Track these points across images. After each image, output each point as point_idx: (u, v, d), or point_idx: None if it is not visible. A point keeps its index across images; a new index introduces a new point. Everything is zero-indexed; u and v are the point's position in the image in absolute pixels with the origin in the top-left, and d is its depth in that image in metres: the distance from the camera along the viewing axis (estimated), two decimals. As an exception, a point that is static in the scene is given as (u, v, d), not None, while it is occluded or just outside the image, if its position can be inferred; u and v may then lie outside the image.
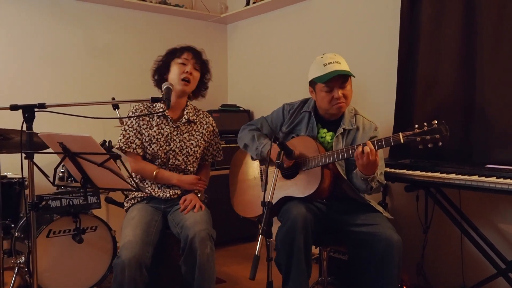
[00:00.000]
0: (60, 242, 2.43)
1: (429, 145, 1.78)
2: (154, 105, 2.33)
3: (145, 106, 2.33)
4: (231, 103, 4.11)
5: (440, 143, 1.76)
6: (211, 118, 2.46)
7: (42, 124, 2.71)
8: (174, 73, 2.28)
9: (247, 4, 3.86)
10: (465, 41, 2.45)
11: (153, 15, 3.85)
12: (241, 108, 4.00)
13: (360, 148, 1.88)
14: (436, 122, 1.77)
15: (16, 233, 2.53)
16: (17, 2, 3.25)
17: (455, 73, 2.49)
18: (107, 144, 2.81)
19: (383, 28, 2.94)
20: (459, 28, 2.47)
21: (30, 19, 3.30)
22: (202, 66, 2.36)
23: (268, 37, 3.88)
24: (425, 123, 1.79)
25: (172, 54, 2.32)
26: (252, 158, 2.39)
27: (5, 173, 2.75)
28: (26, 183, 2.70)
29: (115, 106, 2.92)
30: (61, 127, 3.02)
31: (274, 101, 3.64)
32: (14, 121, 2.09)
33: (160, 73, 2.35)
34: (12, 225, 2.62)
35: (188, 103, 2.39)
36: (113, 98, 2.93)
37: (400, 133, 1.83)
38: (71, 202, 2.43)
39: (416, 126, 1.81)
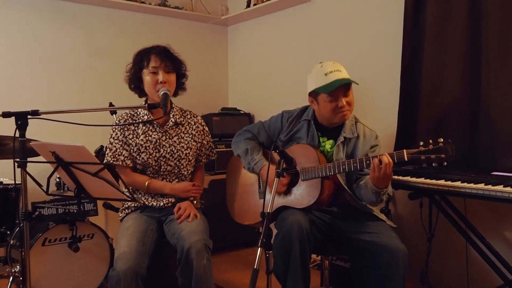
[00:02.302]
0: (56, 250, 2.38)
1: (433, 164, 1.73)
2: (138, 112, 2.25)
3: (129, 115, 2.25)
4: (231, 107, 4.06)
5: (445, 163, 1.72)
6: (199, 117, 2.38)
7: (39, 130, 2.67)
8: (148, 85, 2.17)
9: (248, 6, 3.81)
10: (471, 45, 2.39)
11: (153, 17, 3.80)
12: (241, 112, 3.95)
13: (377, 160, 1.82)
14: (442, 140, 1.72)
15: (12, 241, 2.48)
16: (16, 4, 3.21)
17: (460, 78, 2.43)
18: (104, 150, 2.75)
19: (386, 31, 2.89)
20: (465, 32, 2.41)
21: (29, 22, 3.26)
22: (174, 63, 2.22)
23: (269, 39, 3.83)
24: (430, 141, 1.74)
25: (140, 63, 2.19)
26: (245, 168, 2.35)
27: (1, 179, 2.70)
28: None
29: (113, 112, 2.87)
30: (58, 132, 2.98)
31: (276, 105, 3.61)
32: (10, 127, 2.04)
33: (135, 84, 2.24)
34: (8, 232, 2.57)
35: (174, 105, 2.31)
36: (111, 103, 2.87)
37: (405, 150, 1.78)
38: (67, 209, 2.38)
39: (421, 143, 1.76)
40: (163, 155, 2.20)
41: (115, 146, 2.20)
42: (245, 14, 3.85)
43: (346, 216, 2.10)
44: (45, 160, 1.67)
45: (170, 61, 2.19)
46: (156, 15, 3.81)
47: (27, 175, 1.67)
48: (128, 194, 1.70)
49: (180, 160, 2.24)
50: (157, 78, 2.14)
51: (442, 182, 2.07)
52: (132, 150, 2.20)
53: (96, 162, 1.57)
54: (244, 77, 4.14)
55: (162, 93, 1.99)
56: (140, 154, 2.19)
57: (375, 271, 1.89)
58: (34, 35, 3.28)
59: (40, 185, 1.78)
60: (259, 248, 1.56)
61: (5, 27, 3.18)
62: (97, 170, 1.58)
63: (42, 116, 1.75)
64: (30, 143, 1.63)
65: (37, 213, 1.83)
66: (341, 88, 2.02)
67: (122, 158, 2.19)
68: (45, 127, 2.28)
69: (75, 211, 2.43)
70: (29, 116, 1.71)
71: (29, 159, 1.70)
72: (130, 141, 2.20)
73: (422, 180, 2.16)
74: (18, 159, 1.64)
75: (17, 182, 2.29)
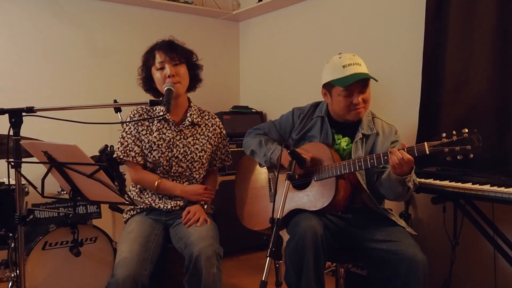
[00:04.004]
0: (56, 254, 2.28)
1: (458, 157, 1.59)
2: (154, 108, 2.14)
3: (144, 110, 2.15)
4: (243, 105, 3.93)
5: (471, 156, 1.57)
6: (217, 119, 2.27)
7: (42, 129, 2.59)
8: (159, 82, 2.06)
9: (260, 0, 3.67)
10: (500, 35, 2.22)
11: (160, 13, 3.70)
12: (253, 110, 3.82)
13: (396, 159, 1.68)
14: (467, 131, 1.58)
15: (13, 244, 2.39)
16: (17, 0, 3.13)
17: (488, 72, 2.26)
18: (109, 149, 2.63)
19: (405, 22, 2.73)
20: (493, 20, 2.24)
21: (31, 17, 3.18)
22: (182, 54, 2.10)
23: (282, 35, 3.69)
24: (454, 132, 1.60)
25: (147, 62, 2.11)
26: (260, 165, 2.21)
27: (2, 180, 2.61)
28: (26, 189, 2.57)
29: (117, 109, 2.76)
30: (63, 131, 2.90)
31: (288, 103, 3.47)
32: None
33: (148, 86, 2.15)
34: (10, 234, 2.48)
35: (192, 104, 2.20)
36: (115, 101, 2.76)
37: (426, 143, 1.64)
38: (67, 212, 2.28)
39: (444, 135, 1.62)
40: (175, 155, 2.09)
41: (127, 141, 2.09)
42: (257, 8, 3.72)
43: (362, 223, 1.96)
44: (37, 161, 1.56)
45: (176, 53, 2.06)
46: (164, 10, 3.71)
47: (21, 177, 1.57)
48: (127, 197, 1.56)
49: (193, 163, 2.13)
50: (165, 73, 2.02)
51: (469, 185, 1.93)
52: (144, 147, 2.09)
53: (90, 162, 1.45)
54: (256, 74, 4.01)
55: (165, 88, 1.86)
56: (152, 152, 2.08)
57: (393, 282, 1.77)
58: (36, 30, 3.20)
59: (34, 187, 1.67)
60: (268, 258, 1.43)
61: (7, 22, 3.11)
62: (92, 171, 1.46)
63: (38, 113, 1.65)
64: (21, 142, 1.51)
65: (31, 216, 1.75)
66: (358, 83, 1.88)
67: (133, 154, 2.08)
68: (50, 126, 2.19)
69: (79, 211, 2.32)
70: (23, 113, 1.62)
71: (24, 160, 1.60)
72: (143, 137, 2.09)
73: (446, 183, 2.02)
74: (11, 159, 1.54)
75: (9, 182, 2.20)
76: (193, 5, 3.72)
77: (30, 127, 2.41)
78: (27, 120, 1.69)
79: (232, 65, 4.15)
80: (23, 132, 2.27)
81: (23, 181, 2.08)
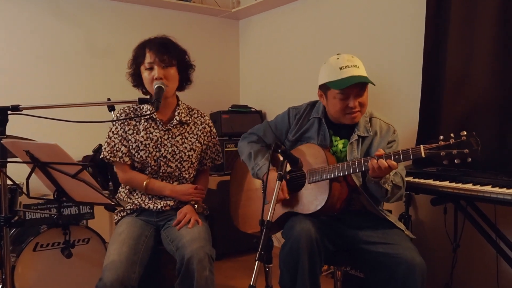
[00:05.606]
0: (48, 256, 2.24)
1: (455, 161, 1.53)
2: (141, 107, 2.10)
3: (131, 109, 2.11)
4: (242, 104, 3.88)
5: (469, 159, 1.51)
6: (207, 118, 2.22)
7: (38, 128, 2.56)
8: (146, 82, 2.02)
9: (259, -3, 3.63)
10: (501, 33, 2.17)
11: (159, 11, 3.66)
12: (252, 109, 3.76)
13: (375, 162, 1.65)
14: (466, 133, 1.52)
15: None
16: (15, -2, 3.12)
17: (490, 69, 2.21)
18: (103, 148, 2.60)
19: (406, 20, 2.67)
20: (494, 19, 2.18)
21: (29, 15, 3.15)
22: (174, 55, 2.03)
23: (282, 33, 3.64)
24: (452, 134, 1.54)
25: (137, 59, 2.05)
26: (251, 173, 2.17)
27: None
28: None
29: (111, 108, 2.71)
30: (58, 130, 2.86)
31: (288, 102, 3.38)
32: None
33: (136, 82, 2.10)
34: (2, 234, 2.45)
35: (180, 102, 2.14)
36: (109, 99, 2.72)
37: (422, 146, 1.57)
38: (57, 213, 2.24)
39: (441, 137, 1.55)
40: (163, 155, 2.04)
41: (113, 141, 2.05)
42: (257, 6, 3.68)
43: (359, 225, 1.91)
44: (21, 160, 1.52)
45: (167, 54, 2.00)
46: (163, 8, 3.67)
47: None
48: (112, 198, 1.52)
49: (182, 162, 2.08)
50: (153, 75, 1.97)
51: (469, 186, 1.86)
52: (131, 147, 2.05)
53: (73, 162, 1.41)
54: (256, 73, 3.97)
55: (155, 86, 1.83)
56: (139, 151, 2.04)
57: (391, 285, 1.72)
58: (35, 29, 3.17)
59: (20, 188, 1.64)
60: (257, 262, 1.38)
61: (6, 21, 3.08)
62: (76, 171, 1.41)
63: (24, 111, 1.62)
64: (2, 141, 1.47)
65: (16, 218, 1.71)
66: (355, 86, 1.82)
67: (120, 154, 2.04)
68: (46, 125, 2.15)
69: (71, 212, 2.28)
70: (9, 112, 1.58)
71: (10, 159, 1.56)
72: (130, 137, 2.05)
73: (446, 183, 1.95)
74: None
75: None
76: (192, 3, 3.68)
77: (27, 127, 2.39)
78: (23, 119, 1.66)
79: (232, 64, 4.11)
80: (19, 131, 2.25)
81: (17, 181, 2.05)
